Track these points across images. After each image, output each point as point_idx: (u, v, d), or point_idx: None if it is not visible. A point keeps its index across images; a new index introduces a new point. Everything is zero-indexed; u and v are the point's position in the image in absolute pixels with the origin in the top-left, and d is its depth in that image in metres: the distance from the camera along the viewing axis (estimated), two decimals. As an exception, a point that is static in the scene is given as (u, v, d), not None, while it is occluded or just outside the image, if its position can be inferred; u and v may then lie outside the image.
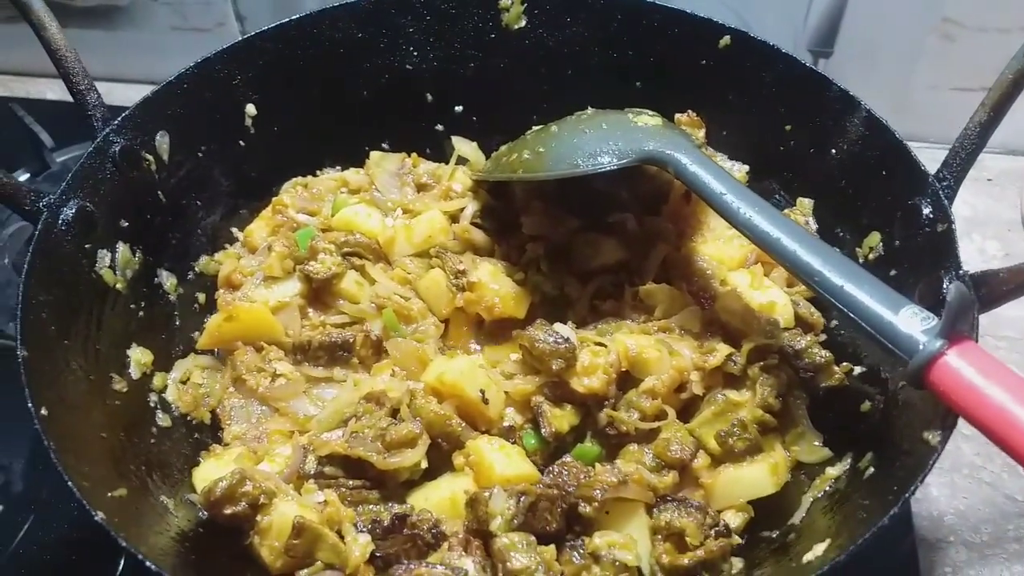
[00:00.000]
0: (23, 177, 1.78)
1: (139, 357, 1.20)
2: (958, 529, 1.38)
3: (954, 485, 1.41)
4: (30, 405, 0.93)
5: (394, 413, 1.15)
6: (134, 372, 1.19)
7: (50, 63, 1.20)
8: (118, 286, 1.19)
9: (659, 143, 1.18)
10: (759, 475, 1.10)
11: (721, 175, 1.11)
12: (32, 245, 1.05)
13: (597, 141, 1.22)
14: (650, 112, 1.28)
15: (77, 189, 1.13)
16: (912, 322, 0.91)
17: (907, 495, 0.85)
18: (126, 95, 2.12)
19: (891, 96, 1.88)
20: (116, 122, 1.20)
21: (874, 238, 1.22)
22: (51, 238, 1.08)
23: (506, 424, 1.16)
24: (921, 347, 0.89)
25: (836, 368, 1.18)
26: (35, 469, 1.37)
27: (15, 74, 2.20)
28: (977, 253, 1.78)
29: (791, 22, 1.83)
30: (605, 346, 1.18)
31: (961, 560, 1.34)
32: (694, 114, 1.40)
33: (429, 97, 1.51)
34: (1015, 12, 1.71)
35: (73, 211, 1.11)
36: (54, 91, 2.14)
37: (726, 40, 1.36)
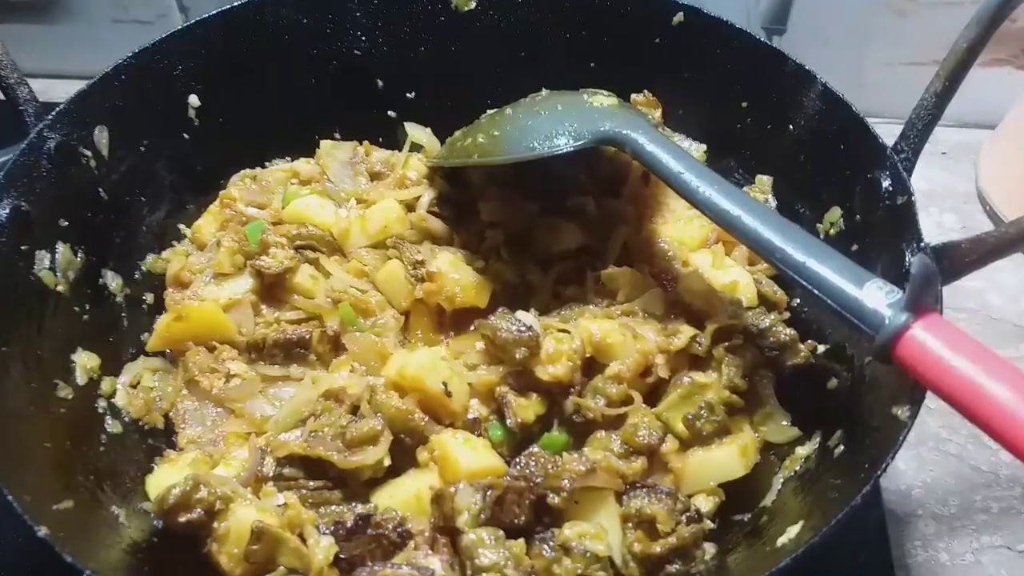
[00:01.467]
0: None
1: (85, 362, 1.15)
2: (926, 502, 1.38)
3: (920, 458, 1.42)
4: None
5: (354, 410, 1.12)
6: (80, 378, 1.14)
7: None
8: (59, 288, 1.14)
9: (615, 123, 1.15)
10: (729, 458, 1.09)
11: (679, 154, 1.09)
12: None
13: (553, 123, 1.19)
14: (605, 92, 1.26)
15: (10, 188, 1.08)
16: (877, 296, 0.90)
17: (879, 472, 0.84)
18: (66, 91, 2.05)
19: (845, 73, 1.87)
20: (50, 117, 1.15)
21: (835, 213, 1.21)
22: (-15, 241, 1.03)
23: (471, 416, 1.13)
24: (887, 321, 0.87)
25: (801, 346, 1.17)
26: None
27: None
28: (935, 226, 1.79)
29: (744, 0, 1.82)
30: (569, 332, 1.15)
31: (930, 533, 1.34)
32: (650, 94, 1.39)
33: (380, 83, 1.47)
34: (965, -14, 1.72)
35: (7, 211, 1.06)
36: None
37: (679, 17, 1.34)
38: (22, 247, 1.09)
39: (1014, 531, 1.35)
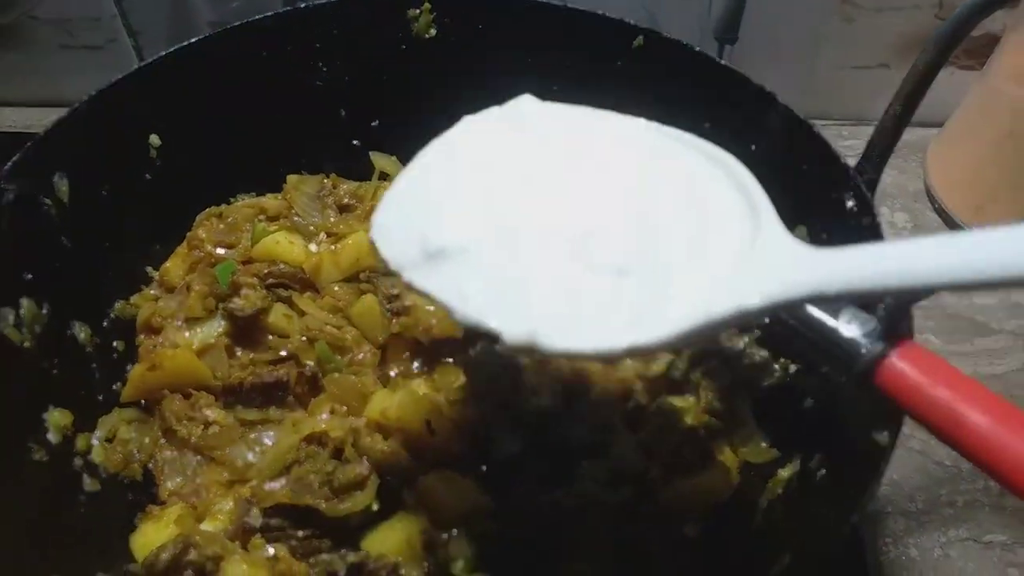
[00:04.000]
0: None
1: (58, 420, 1.11)
2: (894, 499, 1.42)
3: (887, 457, 1.46)
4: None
5: (337, 453, 1.11)
6: (53, 437, 1.10)
7: None
8: (26, 345, 1.10)
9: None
10: (713, 481, 1.11)
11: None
12: (-73, 313, 0.97)
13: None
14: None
15: (-30, 245, 1.05)
16: (851, 326, 0.92)
17: (865, 501, 0.87)
18: (15, 118, 2.01)
19: (797, 77, 1.93)
20: (7, 168, 1.11)
21: (800, 231, 1.24)
22: (-53, 304, 1.00)
23: (456, 452, 1.13)
24: (864, 351, 0.90)
25: (776, 366, 1.20)
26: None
27: None
28: (888, 226, 1.84)
29: (697, 12, 1.84)
30: (547, 361, 1.16)
31: (900, 530, 1.39)
32: (614, 116, 1.40)
33: (343, 113, 1.46)
34: (908, -9, 1.78)
35: (-32, 270, 1.03)
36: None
37: (639, 40, 1.35)
38: (-15, 305, 1.06)
39: (979, 523, 1.40)
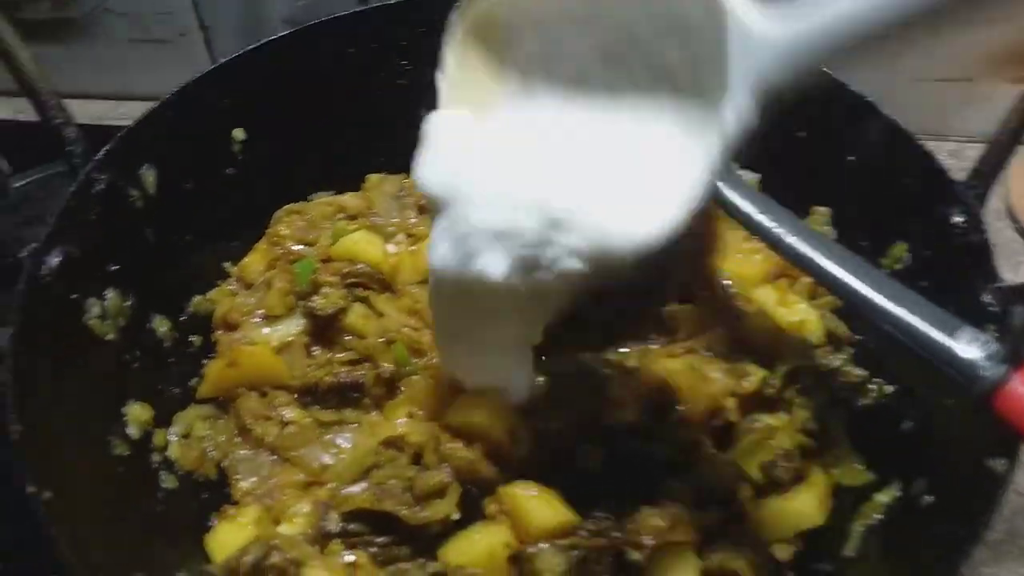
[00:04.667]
0: (-23, 209, 1.64)
1: (138, 414, 1.11)
2: (974, 528, 1.36)
3: (969, 484, 1.40)
4: (30, 488, 0.83)
5: (416, 458, 1.08)
6: (133, 432, 1.09)
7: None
8: (109, 337, 1.10)
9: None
10: (806, 505, 1.05)
11: (752, 195, 1.06)
12: (18, 303, 0.95)
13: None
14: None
15: (61, 234, 1.03)
16: (970, 347, 0.87)
17: (981, 531, 0.82)
18: (87, 111, 2.02)
19: (875, 89, 1.87)
20: (98, 158, 1.11)
21: (900, 248, 1.18)
22: (37, 294, 0.98)
23: (538, 463, 1.10)
24: (983, 372, 0.85)
25: (872, 386, 1.15)
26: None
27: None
28: (965, 246, 1.78)
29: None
30: (632, 374, 1.12)
31: (976, 559, 1.33)
32: (703, 123, 1.36)
33: (424, 112, 1.44)
34: (999, 4, 1.71)
35: (58, 259, 1.01)
36: (3, 109, 2.02)
37: (733, 45, 1.31)
38: (72, 296, 1.05)
39: (1057, 555, 1.34)
